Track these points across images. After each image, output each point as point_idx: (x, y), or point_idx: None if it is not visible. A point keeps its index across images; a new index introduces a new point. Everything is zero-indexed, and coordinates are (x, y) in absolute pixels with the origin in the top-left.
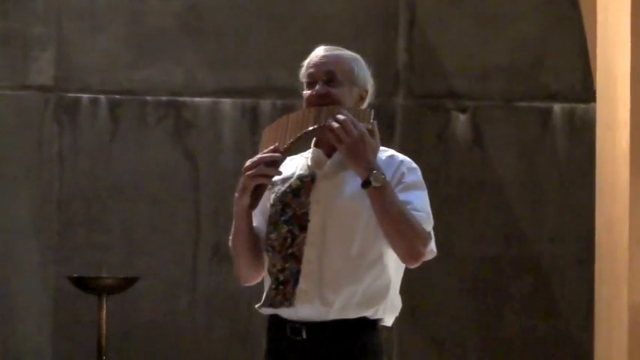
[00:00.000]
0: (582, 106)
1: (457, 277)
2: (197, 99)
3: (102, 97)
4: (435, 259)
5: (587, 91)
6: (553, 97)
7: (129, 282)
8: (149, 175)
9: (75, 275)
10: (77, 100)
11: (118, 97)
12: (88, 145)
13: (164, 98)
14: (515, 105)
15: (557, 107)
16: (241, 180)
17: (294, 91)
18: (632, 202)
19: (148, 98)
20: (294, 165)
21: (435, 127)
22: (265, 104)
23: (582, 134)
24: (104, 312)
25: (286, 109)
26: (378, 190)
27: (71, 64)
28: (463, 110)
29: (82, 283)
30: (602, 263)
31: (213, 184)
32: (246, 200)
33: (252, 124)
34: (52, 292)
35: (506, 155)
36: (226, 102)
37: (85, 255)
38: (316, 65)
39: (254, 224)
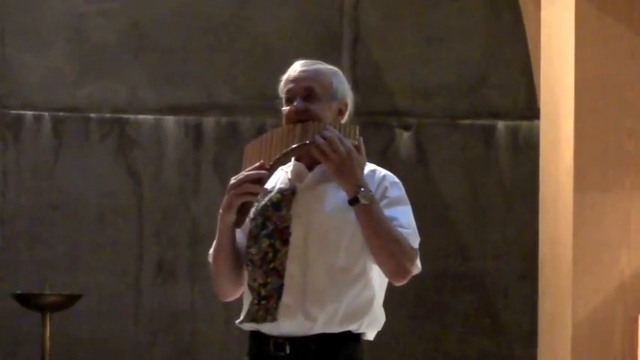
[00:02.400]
0: (526, 123)
1: (400, 294)
2: (140, 116)
3: (45, 114)
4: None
5: (531, 109)
6: (497, 115)
7: (72, 299)
8: (92, 192)
9: (18, 292)
10: (20, 117)
11: (61, 114)
12: (31, 161)
13: (107, 115)
14: (458, 122)
15: (500, 125)
16: (226, 197)
17: (238, 108)
18: (576, 219)
19: (92, 115)
20: (275, 178)
21: (379, 145)
22: (209, 122)
23: (526, 151)
24: (48, 329)
25: (230, 127)
26: (366, 207)
27: (14, 81)
28: (407, 128)
29: (25, 300)
30: (545, 280)
31: (157, 202)
32: (232, 217)
33: (196, 142)
34: None
35: (450, 172)
36: (169, 119)
37: (29, 272)
38: (295, 80)
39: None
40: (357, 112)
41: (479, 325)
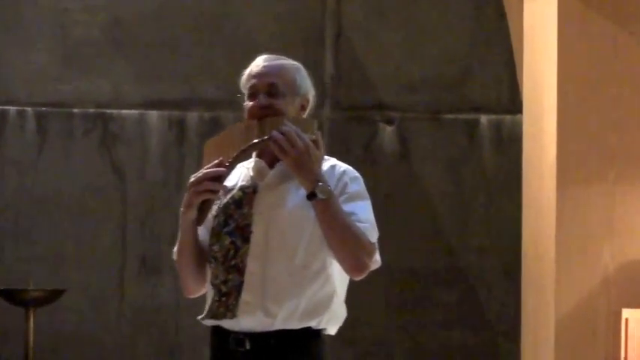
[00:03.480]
0: (509, 117)
1: (384, 289)
2: (124, 111)
3: (29, 109)
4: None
5: (513, 103)
6: (480, 109)
7: (56, 294)
8: (76, 188)
9: (2, 288)
10: (4, 113)
11: (44, 109)
12: (15, 157)
13: (91, 110)
14: (442, 117)
15: (484, 119)
16: (186, 195)
17: (221, 103)
18: (559, 213)
19: (75, 110)
20: (236, 175)
21: (362, 139)
22: (192, 116)
23: (509, 146)
24: (31, 324)
25: (213, 122)
26: (324, 202)
27: None
28: (390, 122)
29: (9, 296)
30: (528, 275)
31: (140, 197)
32: (193, 215)
33: (179, 137)
34: None
35: (433, 167)
36: (153, 114)
37: (12, 267)
38: (258, 76)
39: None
40: (341, 106)
41: (462, 319)
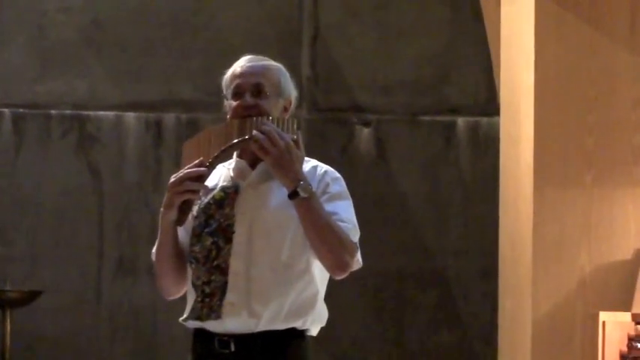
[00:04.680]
0: (486, 119)
1: (360, 290)
2: (101, 112)
3: (6, 110)
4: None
5: (491, 105)
6: (457, 111)
7: (33, 295)
8: (53, 189)
9: None
10: None
11: (21, 110)
12: None
13: (68, 112)
14: (418, 119)
15: (460, 121)
16: (167, 195)
17: (199, 105)
18: (536, 215)
19: (52, 112)
20: (217, 176)
21: (339, 141)
22: (169, 118)
23: (486, 148)
24: (8, 325)
25: (191, 123)
26: (305, 201)
27: None
28: (367, 124)
29: None
30: (505, 277)
31: (117, 198)
32: (173, 216)
33: (156, 138)
34: None
35: (410, 169)
36: (130, 116)
37: None
38: (243, 75)
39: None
40: (317, 108)
41: (439, 321)
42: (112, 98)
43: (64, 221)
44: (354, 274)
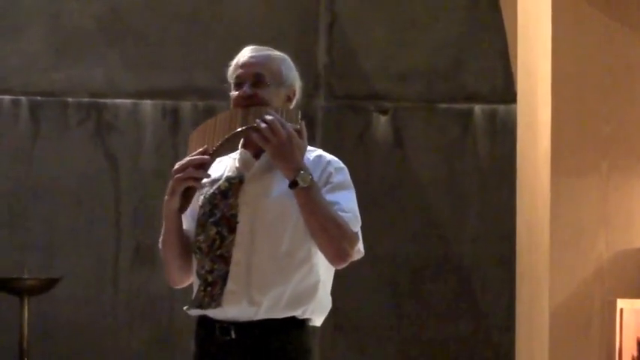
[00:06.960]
0: (503, 107)
1: (377, 278)
2: (118, 100)
3: (23, 98)
4: (356, 260)
5: (508, 92)
6: (474, 99)
7: (50, 283)
8: (70, 177)
9: None
10: None
11: (39, 98)
12: (9, 146)
13: (85, 100)
14: (435, 106)
15: (477, 108)
16: (170, 183)
17: (215, 93)
18: (553, 203)
19: (69, 100)
20: (223, 166)
21: (356, 129)
22: (186, 106)
23: (503, 135)
24: (26, 313)
25: (207, 111)
26: (305, 190)
27: None
28: (384, 111)
29: (3, 285)
30: (523, 264)
31: (134, 186)
32: (176, 203)
33: (173, 126)
34: None
35: (427, 156)
36: (147, 103)
37: (7, 256)
38: (244, 66)
39: (184, 227)
40: (334, 95)
41: (457, 309)
42: (129, 86)
43: (82, 209)
44: (371, 262)
